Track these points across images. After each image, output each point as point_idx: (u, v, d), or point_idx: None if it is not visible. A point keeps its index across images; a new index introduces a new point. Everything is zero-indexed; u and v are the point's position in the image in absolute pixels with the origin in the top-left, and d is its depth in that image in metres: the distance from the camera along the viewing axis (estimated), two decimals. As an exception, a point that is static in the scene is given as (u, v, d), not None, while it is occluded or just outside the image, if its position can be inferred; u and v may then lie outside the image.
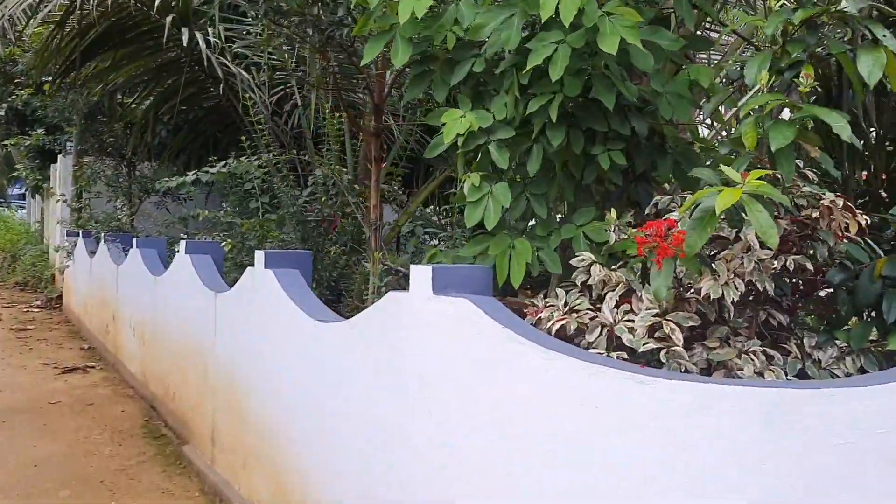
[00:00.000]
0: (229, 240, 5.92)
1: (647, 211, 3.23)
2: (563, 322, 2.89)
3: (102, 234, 9.36)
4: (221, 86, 7.69)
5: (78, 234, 11.33)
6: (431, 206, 7.76)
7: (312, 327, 3.88)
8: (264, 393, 4.50)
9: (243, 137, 6.95)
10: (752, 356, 2.67)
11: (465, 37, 3.30)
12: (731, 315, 2.82)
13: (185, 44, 7.15)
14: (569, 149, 3.11)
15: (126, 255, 8.79)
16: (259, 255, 4.50)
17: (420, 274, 2.97)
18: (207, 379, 5.47)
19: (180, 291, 6.12)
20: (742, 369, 2.64)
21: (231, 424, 5.00)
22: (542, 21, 2.93)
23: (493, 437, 2.63)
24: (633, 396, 2.16)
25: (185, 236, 7.80)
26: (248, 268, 4.75)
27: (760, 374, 2.63)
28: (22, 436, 6.17)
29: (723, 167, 2.49)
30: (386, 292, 3.58)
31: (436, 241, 5.44)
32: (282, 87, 7.79)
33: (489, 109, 3.30)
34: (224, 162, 5.97)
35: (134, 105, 9.36)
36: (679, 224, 2.71)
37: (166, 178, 6.17)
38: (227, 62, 7.63)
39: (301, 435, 4.06)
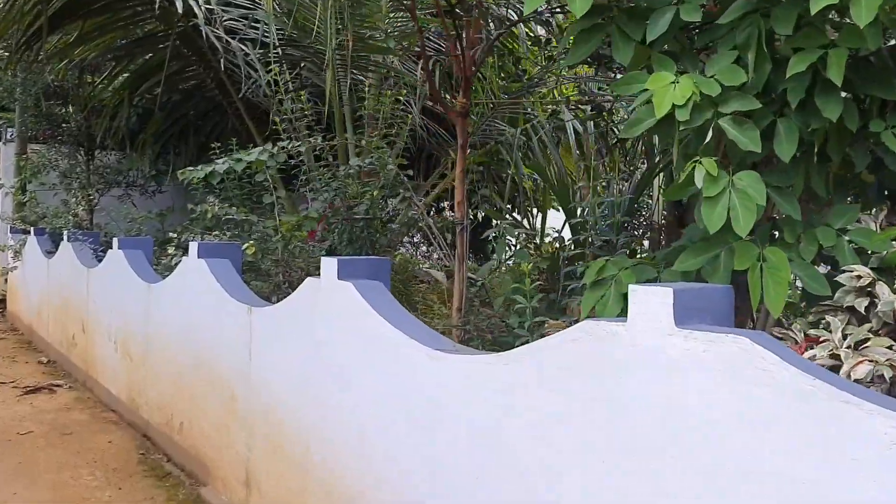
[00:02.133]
0: (251, 242, 4.95)
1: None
2: (857, 364, 2.11)
3: (66, 233, 8.19)
4: (218, 64, 6.65)
5: (27, 232, 10.08)
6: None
7: (428, 360, 3.01)
8: (334, 437, 3.60)
9: (247, 123, 5.96)
10: None
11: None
12: None
13: (178, 11, 6.10)
14: (835, 126, 2.31)
15: (98, 256, 7.69)
16: (330, 264, 3.59)
17: (653, 297, 2.14)
18: (236, 410, 4.52)
19: (192, 303, 5.13)
20: None
21: (276, 469, 4.07)
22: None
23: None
24: None
25: (175, 235, 6.75)
26: (309, 279, 3.83)
27: None
28: (-5, 479, 5.10)
29: None
30: (545, 327, 2.74)
31: (514, 243, 4.59)
32: (295, 64, 6.79)
33: (704, 73, 2.48)
34: (260, 148, 4.98)
35: (101, 85, 8.18)
36: None
37: (191, 168, 5.14)
38: (221, 34, 6.61)
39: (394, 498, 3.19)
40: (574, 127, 6.24)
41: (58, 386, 7.57)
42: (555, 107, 6.23)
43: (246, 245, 4.96)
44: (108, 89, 8.09)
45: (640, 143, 7.55)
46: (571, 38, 2.85)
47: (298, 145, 4.93)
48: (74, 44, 7.45)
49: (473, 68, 3.88)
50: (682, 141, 2.49)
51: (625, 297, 2.74)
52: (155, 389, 5.77)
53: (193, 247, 5.09)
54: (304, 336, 3.88)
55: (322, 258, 3.68)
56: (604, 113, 5.69)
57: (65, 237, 8.24)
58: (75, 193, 9.89)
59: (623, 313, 2.77)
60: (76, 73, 8.24)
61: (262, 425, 4.24)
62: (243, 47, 6.73)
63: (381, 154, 4.69)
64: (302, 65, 6.51)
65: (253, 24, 7.04)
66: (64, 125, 9.93)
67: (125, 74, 8.07)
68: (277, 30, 7.00)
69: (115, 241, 6.64)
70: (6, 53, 7.72)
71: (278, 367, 4.12)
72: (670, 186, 2.58)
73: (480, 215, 8.20)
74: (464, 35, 3.88)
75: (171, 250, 6.18)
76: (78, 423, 6.43)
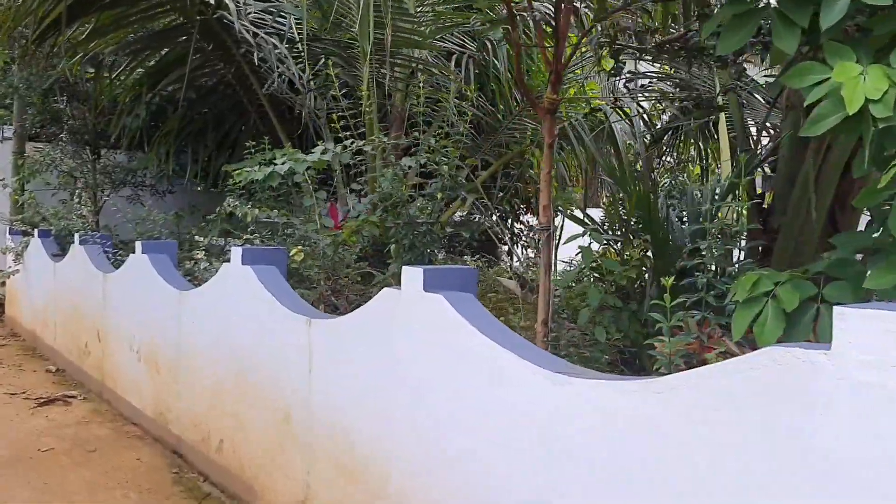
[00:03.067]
0: (299, 247, 4.60)
1: None
2: None
3: (77, 235, 7.80)
4: (241, 58, 6.31)
5: (28, 234, 9.66)
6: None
7: (549, 385, 2.69)
8: (416, 466, 3.28)
9: (273, 121, 5.61)
10: None
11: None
12: None
13: (199, 1, 5.73)
14: None
15: (115, 260, 7.33)
16: (414, 274, 3.27)
17: (873, 322, 1.85)
18: (292, 430, 4.19)
19: (235, 313, 4.79)
20: None
21: (343, 494, 3.75)
22: None
23: None
24: None
25: (201, 239, 6.40)
26: (387, 290, 3.51)
27: None
28: (21, 504, 4.74)
29: None
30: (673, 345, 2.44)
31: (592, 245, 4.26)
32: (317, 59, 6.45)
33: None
34: (322, 147, 4.61)
35: (117, 81, 7.78)
36: None
37: (248, 168, 4.78)
38: (252, 28, 6.26)
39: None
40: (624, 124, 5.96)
41: (72, 397, 7.18)
42: (617, 100, 5.92)
43: (294, 251, 4.61)
44: (122, 85, 7.69)
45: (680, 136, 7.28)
46: (716, 24, 2.56)
47: (362, 144, 4.58)
48: (89, 37, 7.05)
49: (564, 61, 3.58)
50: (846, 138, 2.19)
51: (786, 315, 2.46)
52: (188, 404, 5.42)
53: (237, 253, 4.74)
54: (379, 352, 3.56)
55: (405, 268, 3.35)
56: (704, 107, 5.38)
57: (76, 239, 7.84)
58: (80, 193, 9.49)
59: (785, 334, 2.49)
60: (87, 69, 7.83)
61: (327, 448, 3.91)
62: (274, 41, 6.38)
63: (451, 153, 4.36)
64: (330, 60, 6.18)
65: (280, 16, 6.70)
66: (69, 122, 9.53)
67: (140, 70, 7.68)
68: (297, 22, 6.68)
69: (137, 244, 6.27)
70: (17, 47, 7.30)
71: (346, 385, 3.80)
72: (862, 192, 2.28)
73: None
74: (557, 25, 3.57)
75: (200, 255, 5.82)
76: (100, 438, 6.06)
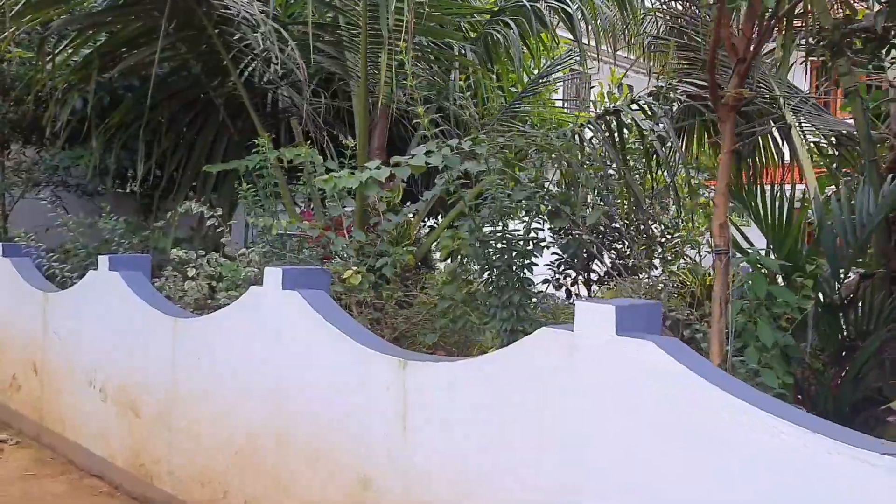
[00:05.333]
0: (355, 268, 3.75)
1: None
2: None
3: (0, 246, 6.53)
4: (216, 40, 5.33)
5: None
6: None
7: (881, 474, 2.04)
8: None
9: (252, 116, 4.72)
10: None
11: None
12: None
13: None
14: None
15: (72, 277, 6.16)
16: (593, 311, 2.56)
17: None
18: (373, 499, 3.36)
19: (275, 350, 3.87)
20: None
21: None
22: None
23: None
24: None
25: (181, 254, 5.37)
26: (544, 329, 2.76)
27: None
28: None
29: None
30: None
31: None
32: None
33: None
34: (423, 148, 3.71)
35: (54, 63, 6.47)
36: None
37: (336, 175, 3.80)
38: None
39: None
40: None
41: (2, 442, 5.94)
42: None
43: (348, 273, 3.76)
44: (60, 69, 6.45)
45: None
46: None
47: (470, 142, 3.73)
48: (25, 9, 5.82)
49: (752, 49, 2.95)
50: None
51: None
52: (188, 456, 4.43)
53: (275, 274, 3.84)
54: (527, 412, 2.81)
55: (578, 302, 2.63)
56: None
57: (-1, 252, 6.55)
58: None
59: None
60: (40, 43, 6.51)
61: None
62: (262, 16, 5.45)
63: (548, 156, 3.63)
64: (315, 44, 5.32)
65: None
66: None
67: (83, 52, 6.46)
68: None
69: (102, 259, 5.17)
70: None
71: (463, 449, 3.01)
72: None
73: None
74: (742, 9, 2.96)
75: (192, 272, 4.82)
76: (58, 497, 4.95)
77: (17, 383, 6.26)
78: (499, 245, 3.54)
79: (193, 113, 6.91)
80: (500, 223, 3.53)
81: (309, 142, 7.82)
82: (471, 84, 6.68)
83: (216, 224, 6.23)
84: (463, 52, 6.54)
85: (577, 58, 7.63)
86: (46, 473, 5.33)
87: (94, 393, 5.26)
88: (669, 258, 5.56)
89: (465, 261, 3.80)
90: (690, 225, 5.91)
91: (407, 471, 3.24)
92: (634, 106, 5.22)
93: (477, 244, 3.54)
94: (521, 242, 3.51)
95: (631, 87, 6.55)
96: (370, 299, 4.17)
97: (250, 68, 6.18)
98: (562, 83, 7.24)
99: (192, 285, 5.04)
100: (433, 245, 3.58)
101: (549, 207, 3.75)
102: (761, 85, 4.98)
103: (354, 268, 3.84)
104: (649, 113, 5.22)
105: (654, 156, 5.56)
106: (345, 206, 4.60)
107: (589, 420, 2.64)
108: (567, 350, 2.70)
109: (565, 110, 7.30)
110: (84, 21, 6.13)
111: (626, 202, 5.80)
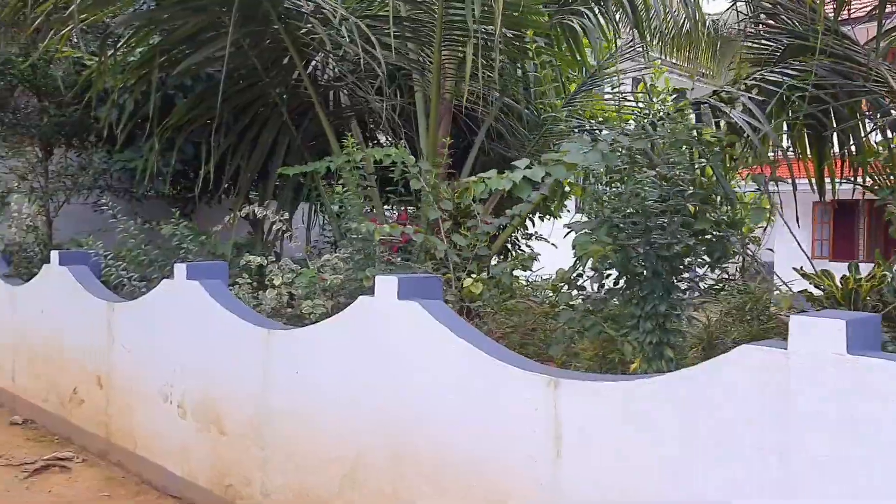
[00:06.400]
0: (473, 276, 3.47)
1: None
2: None
3: (57, 253, 6.27)
4: (286, 39, 5.04)
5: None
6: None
7: None
8: None
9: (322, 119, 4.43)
10: None
11: None
12: None
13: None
14: None
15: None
16: (829, 327, 2.27)
17: None
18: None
19: (394, 366, 3.60)
20: None
21: None
22: None
23: None
24: None
25: (254, 258, 5.10)
26: (747, 347, 2.47)
27: None
28: None
29: None
30: None
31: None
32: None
33: None
34: (576, 145, 3.44)
35: (113, 61, 6.19)
36: None
37: (486, 177, 3.51)
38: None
39: None
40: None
41: (66, 459, 5.68)
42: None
43: (468, 281, 3.48)
44: (118, 67, 6.16)
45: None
46: None
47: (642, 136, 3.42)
48: (82, 8, 5.55)
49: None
50: None
51: None
52: (288, 476, 4.17)
53: (389, 283, 3.57)
54: (722, 441, 2.53)
55: (794, 317, 2.35)
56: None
57: (53, 258, 6.30)
58: (34, 201, 7.85)
59: None
60: (60, 48, 6.26)
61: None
62: (341, 10, 5.17)
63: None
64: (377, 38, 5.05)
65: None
66: (15, 113, 7.86)
67: (139, 51, 6.18)
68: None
69: (179, 268, 4.90)
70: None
71: (640, 479, 2.74)
72: None
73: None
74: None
75: (276, 279, 4.55)
76: (139, 521, 4.70)
77: (79, 397, 6.00)
78: (641, 250, 3.26)
79: (253, 113, 6.62)
80: (644, 225, 3.25)
81: (374, 140, 7.57)
82: (538, 77, 6.39)
83: (283, 228, 5.97)
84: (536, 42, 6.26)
85: (640, 48, 7.37)
86: (122, 494, 5.08)
87: (171, 408, 5.00)
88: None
89: (596, 266, 3.51)
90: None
91: (558, 501, 2.97)
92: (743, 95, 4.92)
93: (618, 249, 3.25)
94: (668, 247, 3.22)
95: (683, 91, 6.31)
96: (479, 307, 3.89)
97: (313, 63, 5.92)
98: (622, 77, 6.93)
99: (273, 294, 4.77)
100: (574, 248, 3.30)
101: (696, 207, 3.47)
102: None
103: (473, 276, 3.58)
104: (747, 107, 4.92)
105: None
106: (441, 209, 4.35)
107: (810, 452, 2.36)
108: (783, 372, 2.41)
109: (633, 103, 7.00)
110: (141, 18, 5.85)
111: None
